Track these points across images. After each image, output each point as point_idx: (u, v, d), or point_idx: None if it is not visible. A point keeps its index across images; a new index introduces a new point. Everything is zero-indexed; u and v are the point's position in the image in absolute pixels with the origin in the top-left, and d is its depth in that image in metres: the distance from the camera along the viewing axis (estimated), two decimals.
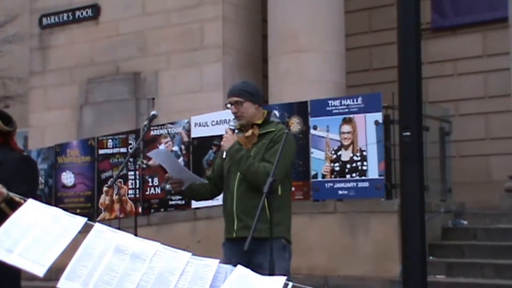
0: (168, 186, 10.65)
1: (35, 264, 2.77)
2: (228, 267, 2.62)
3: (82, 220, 2.93)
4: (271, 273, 3.95)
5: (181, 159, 10.88)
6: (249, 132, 4.83)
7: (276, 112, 10.08)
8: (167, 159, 4.90)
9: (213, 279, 2.52)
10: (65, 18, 15.21)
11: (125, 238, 2.77)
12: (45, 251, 2.80)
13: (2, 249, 2.85)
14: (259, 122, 4.87)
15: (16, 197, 3.73)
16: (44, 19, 15.49)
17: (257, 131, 4.84)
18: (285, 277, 2.49)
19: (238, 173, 4.76)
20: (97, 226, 2.85)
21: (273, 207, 4.46)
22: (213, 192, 5.07)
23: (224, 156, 4.84)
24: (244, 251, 4.44)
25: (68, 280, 2.69)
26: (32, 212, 3.05)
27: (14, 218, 3.06)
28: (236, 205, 4.75)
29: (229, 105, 4.91)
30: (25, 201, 3.29)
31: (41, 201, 3.32)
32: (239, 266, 2.58)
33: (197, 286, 2.51)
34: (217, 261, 2.62)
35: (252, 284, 2.48)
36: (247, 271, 2.55)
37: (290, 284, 2.47)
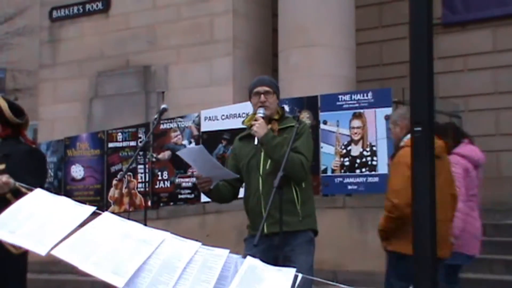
0: (179, 180, 10.69)
1: (38, 244, 2.73)
2: (238, 257, 2.61)
3: (91, 208, 2.91)
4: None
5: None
6: (269, 127, 4.81)
7: (286, 108, 10.10)
8: (199, 156, 4.71)
9: (222, 269, 2.50)
10: (75, 11, 15.22)
11: (133, 226, 2.75)
12: (49, 233, 2.76)
13: (5, 230, 2.83)
14: (277, 117, 4.88)
15: (23, 188, 3.72)
16: (54, 12, 15.50)
17: (276, 126, 4.84)
18: (294, 269, 2.48)
19: (262, 168, 4.74)
20: (105, 214, 2.83)
21: (301, 199, 4.57)
22: (234, 193, 5.04)
23: (256, 143, 4.73)
24: (273, 247, 4.44)
25: (67, 249, 2.64)
26: (39, 200, 3.02)
27: (20, 203, 3.03)
28: (263, 201, 4.70)
29: (254, 96, 4.87)
30: (32, 191, 3.27)
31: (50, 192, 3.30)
32: (248, 258, 2.57)
33: (205, 275, 2.49)
34: (227, 251, 2.60)
35: (262, 275, 2.47)
36: (257, 261, 2.54)
37: (300, 275, 2.46)
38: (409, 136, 5.20)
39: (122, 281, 2.48)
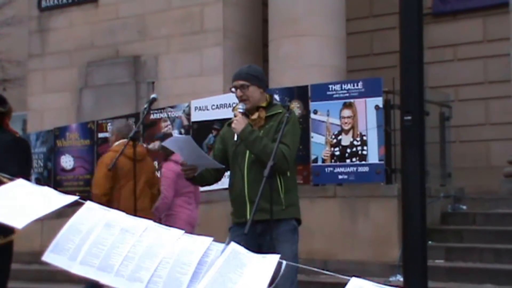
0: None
1: (15, 219, 2.73)
2: (221, 245, 2.61)
3: (73, 197, 2.89)
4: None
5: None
6: (256, 115, 4.84)
7: (276, 98, 10.09)
8: (186, 145, 4.75)
9: (203, 255, 2.50)
10: (64, 0, 15.15)
11: (116, 215, 2.75)
12: (28, 211, 2.75)
13: None
14: (264, 105, 4.88)
15: (5, 178, 3.67)
16: (43, 1, 15.43)
17: (264, 113, 4.85)
18: (278, 256, 2.48)
19: (247, 157, 4.76)
20: (88, 204, 2.82)
21: (284, 188, 4.56)
22: (216, 177, 5.05)
23: (235, 139, 4.81)
24: (256, 234, 4.49)
25: (54, 254, 2.66)
26: (19, 188, 3.00)
27: (0, 190, 3.01)
28: (248, 189, 4.73)
29: (233, 89, 4.91)
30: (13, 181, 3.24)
31: (38, 185, 3.26)
32: (232, 244, 2.56)
33: (185, 258, 2.49)
34: (211, 239, 2.60)
35: (245, 261, 2.47)
36: (241, 248, 2.54)
37: (284, 262, 2.46)
38: (117, 143, 7.03)
39: (109, 276, 2.49)
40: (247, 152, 4.77)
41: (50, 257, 2.67)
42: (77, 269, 2.60)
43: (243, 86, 4.84)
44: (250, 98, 4.84)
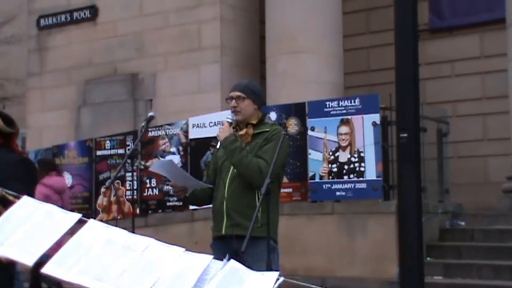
0: (168, 188, 10.69)
1: (24, 254, 2.74)
2: (220, 263, 2.62)
3: (77, 216, 2.90)
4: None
5: (178, 160, 10.88)
6: (243, 131, 4.85)
7: (273, 115, 10.12)
8: (172, 169, 4.86)
9: (203, 272, 2.51)
10: (63, 19, 15.21)
11: (118, 232, 2.76)
12: (35, 243, 2.77)
13: None
14: (254, 122, 4.89)
15: (10, 196, 3.68)
16: (42, 20, 15.49)
17: (251, 130, 4.85)
18: (277, 273, 2.48)
19: (231, 171, 4.77)
20: (91, 222, 2.83)
21: (264, 207, 4.43)
22: (211, 196, 5.05)
23: (218, 146, 4.85)
24: (233, 251, 4.47)
25: (53, 265, 2.66)
26: (25, 208, 3.02)
27: (7, 214, 3.04)
28: (226, 203, 4.73)
29: (229, 100, 4.92)
30: (19, 199, 3.27)
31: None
32: (232, 261, 2.57)
33: (185, 275, 2.50)
34: (211, 257, 2.61)
35: (244, 278, 2.48)
36: (239, 265, 2.55)
37: (281, 279, 2.47)
38: None
39: (105, 286, 2.49)
40: (231, 168, 4.78)
41: (49, 268, 2.67)
42: (72, 278, 2.59)
43: (239, 97, 4.85)
44: (242, 111, 4.85)
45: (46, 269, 2.64)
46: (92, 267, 2.58)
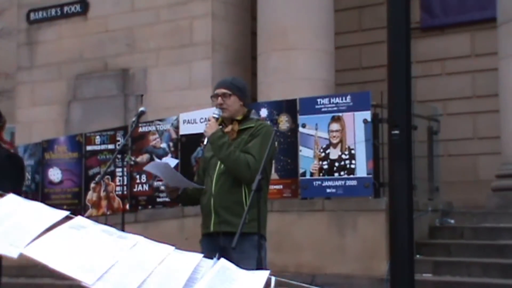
0: (158, 184, 10.67)
1: (10, 247, 2.70)
2: (210, 261, 2.60)
3: (64, 212, 2.87)
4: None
5: (169, 156, 10.85)
6: (229, 128, 4.86)
7: (264, 111, 10.10)
8: (166, 171, 4.90)
9: (193, 271, 2.49)
10: (53, 13, 15.14)
11: (106, 229, 2.72)
12: (21, 235, 2.73)
13: None
14: (239, 118, 4.89)
15: None
16: (32, 14, 15.41)
17: (237, 127, 4.87)
18: (268, 271, 2.47)
19: (218, 167, 4.77)
20: (78, 218, 2.79)
21: (251, 202, 4.39)
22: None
23: (205, 142, 4.85)
24: (220, 247, 4.48)
25: (37, 251, 2.61)
26: (10, 204, 2.98)
27: None
28: (214, 200, 4.75)
29: (214, 98, 4.93)
30: (3, 197, 3.23)
31: (26, 198, 3.26)
32: (222, 259, 2.55)
33: (175, 273, 2.47)
34: (201, 255, 2.59)
35: (234, 277, 2.46)
36: (230, 264, 2.53)
37: (273, 278, 2.45)
38: None
39: (93, 278, 2.45)
40: (218, 164, 4.79)
41: (28, 252, 2.62)
42: (57, 266, 2.54)
43: (224, 94, 4.86)
44: (229, 108, 4.86)
45: (27, 251, 2.58)
46: (78, 257, 2.54)
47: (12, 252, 2.64)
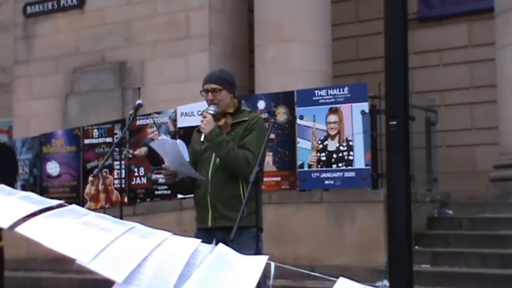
0: (156, 176, 10.65)
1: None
2: (209, 246, 2.58)
3: (58, 201, 2.85)
4: None
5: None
6: (222, 122, 4.84)
7: (262, 103, 10.10)
8: (171, 150, 4.79)
9: (191, 256, 2.47)
10: (50, 7, 15.09)
11: (100, 215, 2.71)
12: (11, 211, 2.71)
13: None
14: (231, 111, 4.87)
15: None
16: (28, 8, 15.37)
17: (230, 120, 4.84)
18: (267, 256, 2.46)
19: (213, 161, 4.76)
20: (73, 206, 2.77)
21: (252, 196, 4.41)
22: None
23: (202, 139, 4.82)
24: (217, 241, 4.46)
25: (31, 230, 2.59)
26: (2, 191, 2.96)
27: None
28: (210, 194, 4.73)
29: (203, 93, 4.90)
30: None
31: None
32: (220, 244, 2.55)
33: (172, 258, 2.46)
34: (199, 240, 2.57)
35: (233, 262, 2.45)
36: (228, 249, 2.52)
37: (273, 264, 2.44)
38: None
39: (89, 256, 2.44)
40: (213, 158, 4.77)
41: (24, 229, 2.61)
42: (52, 244, 2.52)
43: (214, 89, 4.84)
44: (221, 102, 4.84)
45: (20, 229, 2.55)
46: (72, 238, 2.51)
47: (2, 222, 2.60)
